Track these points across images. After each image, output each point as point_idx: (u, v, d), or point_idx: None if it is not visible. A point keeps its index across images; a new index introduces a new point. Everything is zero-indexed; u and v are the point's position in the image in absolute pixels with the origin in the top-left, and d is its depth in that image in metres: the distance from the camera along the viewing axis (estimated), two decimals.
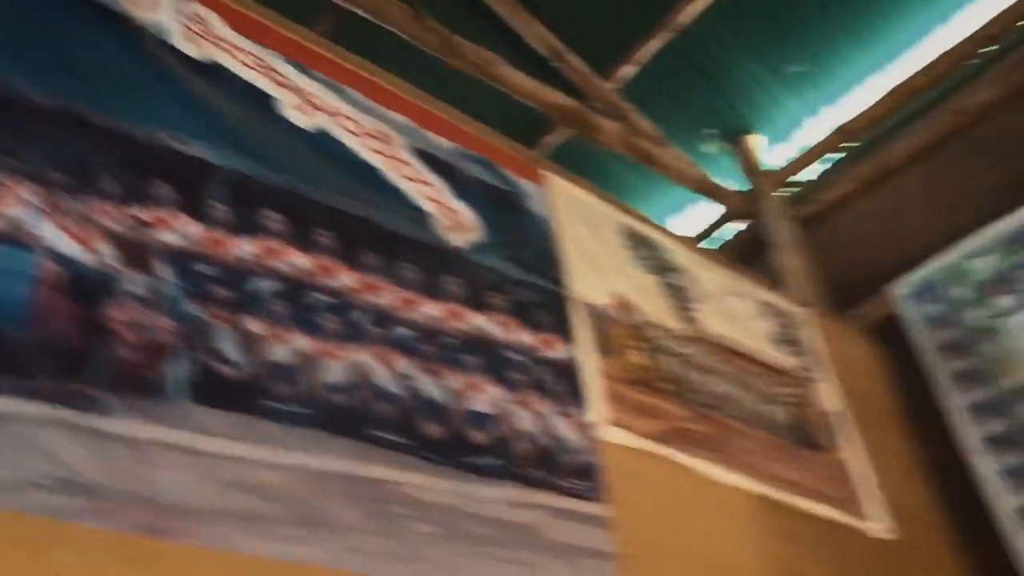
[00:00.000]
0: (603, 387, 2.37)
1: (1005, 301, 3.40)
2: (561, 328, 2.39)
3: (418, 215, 2.25)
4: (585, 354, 2.40)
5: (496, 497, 1.91)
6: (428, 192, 2.33)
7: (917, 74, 4.02)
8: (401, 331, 1.98)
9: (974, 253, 3.52)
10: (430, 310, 2.08)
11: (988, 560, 3.16)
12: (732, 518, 2.47)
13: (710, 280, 3.13)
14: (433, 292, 2.12)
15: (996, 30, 3.80)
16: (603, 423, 2.28)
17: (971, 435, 3.32)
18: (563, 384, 2.26)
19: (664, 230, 3.13)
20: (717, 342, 2.91)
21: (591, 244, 2.75)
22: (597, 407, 2.30)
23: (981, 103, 3.80)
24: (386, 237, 2.12)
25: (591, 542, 2.04)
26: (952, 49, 3.93)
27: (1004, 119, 3.72)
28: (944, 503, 3.33)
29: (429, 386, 1.95)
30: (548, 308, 2.40)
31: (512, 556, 1.87)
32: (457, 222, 2.33)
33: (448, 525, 1.79)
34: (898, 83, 4.07)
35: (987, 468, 3.26)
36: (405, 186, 2.27)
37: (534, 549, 1.91)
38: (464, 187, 2.44)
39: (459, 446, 1.93)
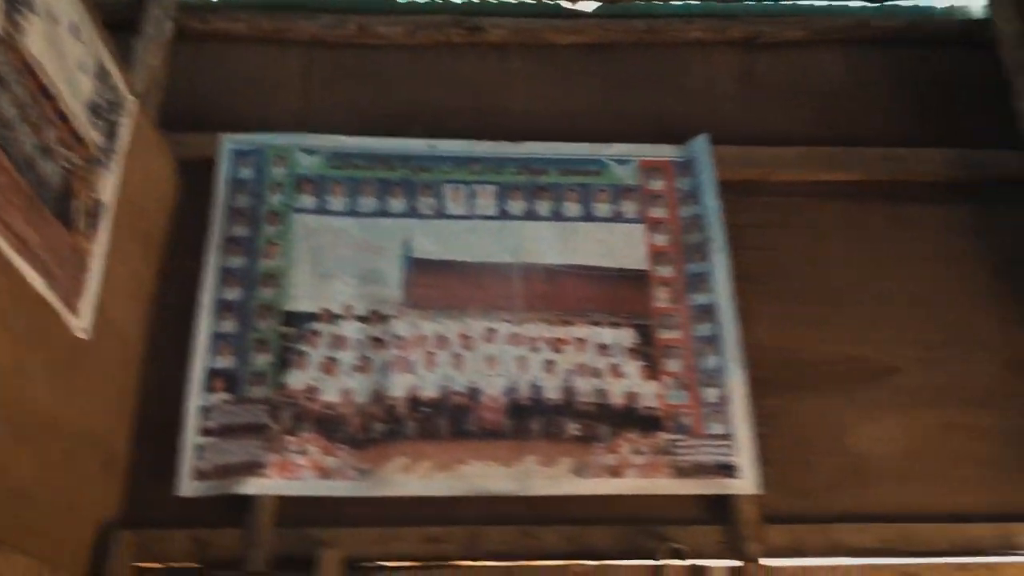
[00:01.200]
0: None
1: (305, 200, 3.65)
2: None
3: None
4: None
5: None
6: None
7: None
8: None
9: (309, 149, 3.73)
10: None
11: (159, 407, 3.27)
12: None
13: (63, 9, 2.70)
14: None
15: None
16: None
17: (209, 293, 3.45)
18: None
19: None
20: (28, 64, 2.50)
21: None
22: None
23: (439, 39, 4.08)
24: None
25: None
26: None
27: (444, 60, 4.06)
28: (153, 336, 3.38)
29: None
30: None
31: None
32: None
33: None
34: None
35: (204, 327, 3.40)
36: None
37: None
38: None
39: None
